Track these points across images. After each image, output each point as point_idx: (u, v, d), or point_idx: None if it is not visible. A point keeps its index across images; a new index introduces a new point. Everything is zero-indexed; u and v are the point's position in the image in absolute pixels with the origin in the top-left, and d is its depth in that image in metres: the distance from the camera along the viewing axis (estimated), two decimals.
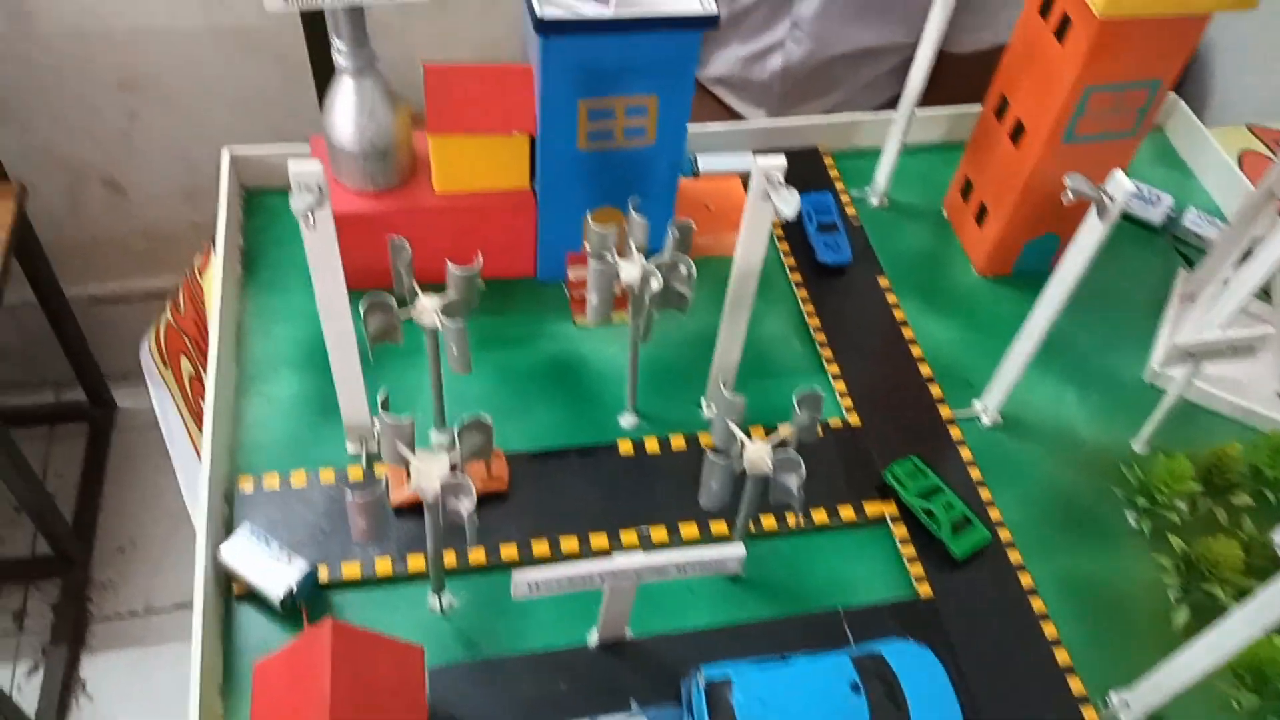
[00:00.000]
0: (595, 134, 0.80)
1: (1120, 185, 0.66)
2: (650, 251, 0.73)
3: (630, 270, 0.71)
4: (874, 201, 1.03)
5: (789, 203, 0.63)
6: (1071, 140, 0.85)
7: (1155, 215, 1.03)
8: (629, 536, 0.76)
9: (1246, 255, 0.91)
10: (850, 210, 1.01)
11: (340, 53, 0.76)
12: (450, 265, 0.68)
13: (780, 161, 0.65)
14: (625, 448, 0.81)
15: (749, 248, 0.70)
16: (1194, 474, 0.78)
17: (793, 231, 0.99)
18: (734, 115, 1.37)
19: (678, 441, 0.82)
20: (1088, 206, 0.68)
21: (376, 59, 0.77)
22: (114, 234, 1.84)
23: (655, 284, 0.70)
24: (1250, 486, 0.79)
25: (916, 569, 0.77)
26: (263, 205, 0.94)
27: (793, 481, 0.64)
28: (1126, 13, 0.74)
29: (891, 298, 0.94)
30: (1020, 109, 0.88)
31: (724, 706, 0.62)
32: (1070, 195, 0.66)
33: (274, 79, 1.66)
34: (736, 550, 0.62)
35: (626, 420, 0.83)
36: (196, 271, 0.99)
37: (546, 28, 0.71)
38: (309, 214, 0.57)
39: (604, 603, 0.65)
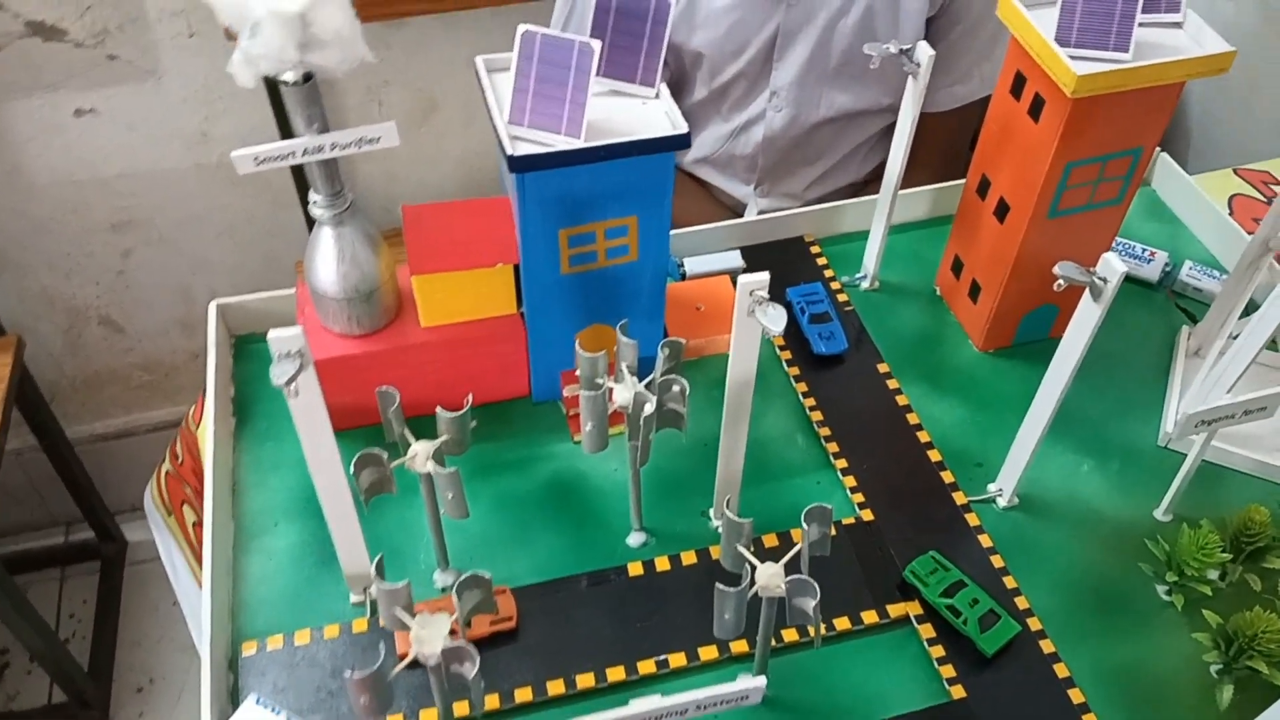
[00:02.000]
0: (578, 258, 0.80)
1: (1112, 268, 0.65)
2: (643, 363, 0.72)
3: (624, 394, 0.70)
4: (865, 285, 1.03)
5: (775, 320, 0.62)
6: (1057, 215, 0.85)
7: (1152, 273, 1.02)
8: (646, 666, 0.73)
9: (1249, 307, 0.90)
10: (842, 297, 1.01)
11: (317, 204, 0.76)
12: (440, 411, 0.67)
13: (763, 278, 0.64)
14: (635, 569, 0.79)
15: (740, 362, 0.69)
16: (1221, 542, 0.75)
17: (786, 325, 0.98)
18: (716, 197, 1.38)
19: (689, 557, 0.80)
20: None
21: (355, 205, 0.77)
22: (114, 370, 1.85)
23: (649, 407, 0.69)
24: (1267, 542, 0.76)
25: (948, 670, 0.74)
26: (253, 352, 0.93)
27: (808, 604, 0.62)
28: (1099, 89, 0.74)
29: (893, 383, 0.93)
30: (1002, 187, 0.88)
31: None
32: (1062, 283, 0.65)
33: (262, 205, 1.69)
34: (757, 683, 0.60)
35: (634, 539, 0.81)
36: (191, 421, 0.99)
37: (519, 164, 0.71)
38: (292, 384, 0.56)
39: None
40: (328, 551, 0.74)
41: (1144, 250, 1.04)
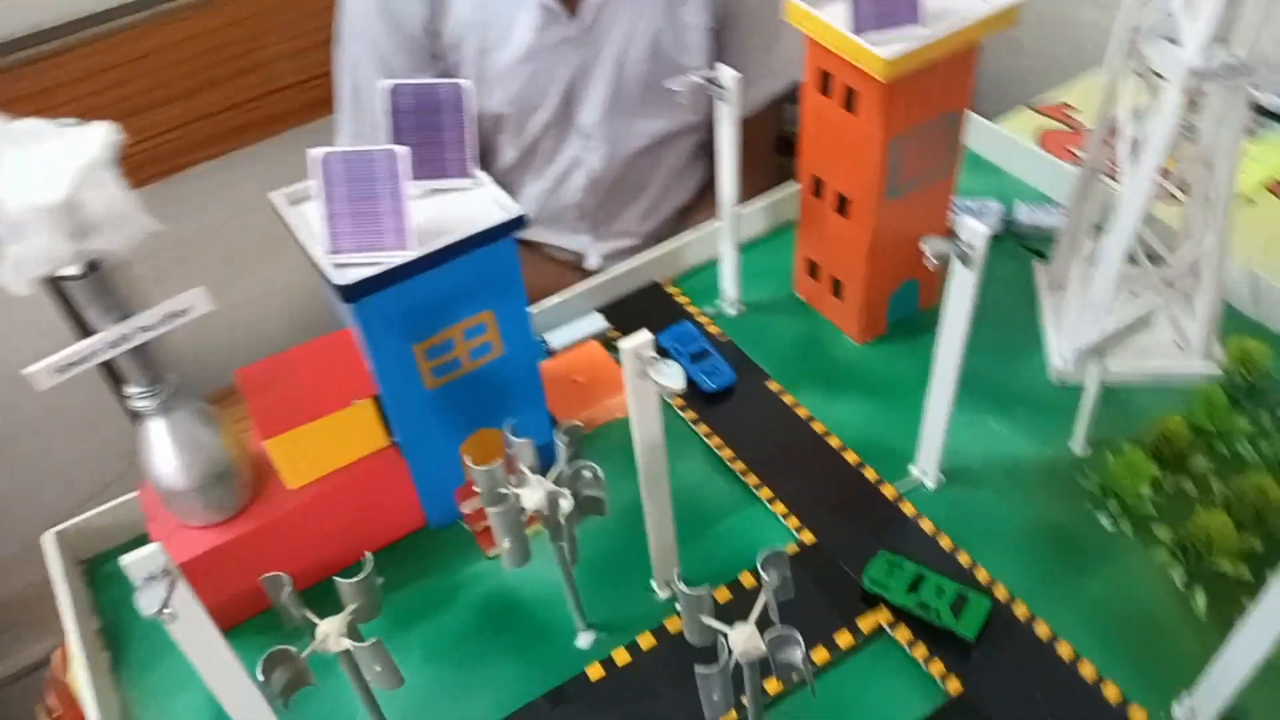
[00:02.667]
0: (440, 369, 0.74)
1: (975, 231, 0.65)
2: (542, 455, 0.67)
3: (534, 496, 0.65)
4: (731, 312, 1.01)
5: (673, 377, 0.58)
6: (896, 194, 0.85)
7: (992, 224, 1.05)
8: None
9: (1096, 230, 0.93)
10: (713, 329, 0.99)
11: (136, 398, 0.68)
12: (338, 581, 0.61)
13: (645, 338, 0.60)
14: (595, 672, 0.73)
15: (644, 428, 0.65)
16: (1147, 458, 0.76)
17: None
18: (552, 256, 1.35)
19: (646, 640, 0.75)
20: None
21: (179, 386, 0.70)
22: None
23: (567, 504, 0.64)
24: (1202, 447, 0.77)
25: (937, 667, 0.71)
26: (110, 573, 0.83)
27: (795, 655, 0.57)
28: (908, 68, 0.75)
29: (788, 398, 0.91)
30: (837, 183, 0.88)
31: None
32: (935, 262, 0.65)
33: (87, 404, 1.55)
34: None
35: (583, 640, 0.76)
36: (58, 672, 0.87)
37: (351, 293, 0.65)
38: (165, 610, 0.49)
39: None
40: None
41: (977, 205, 1.06)
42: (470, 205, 0.71)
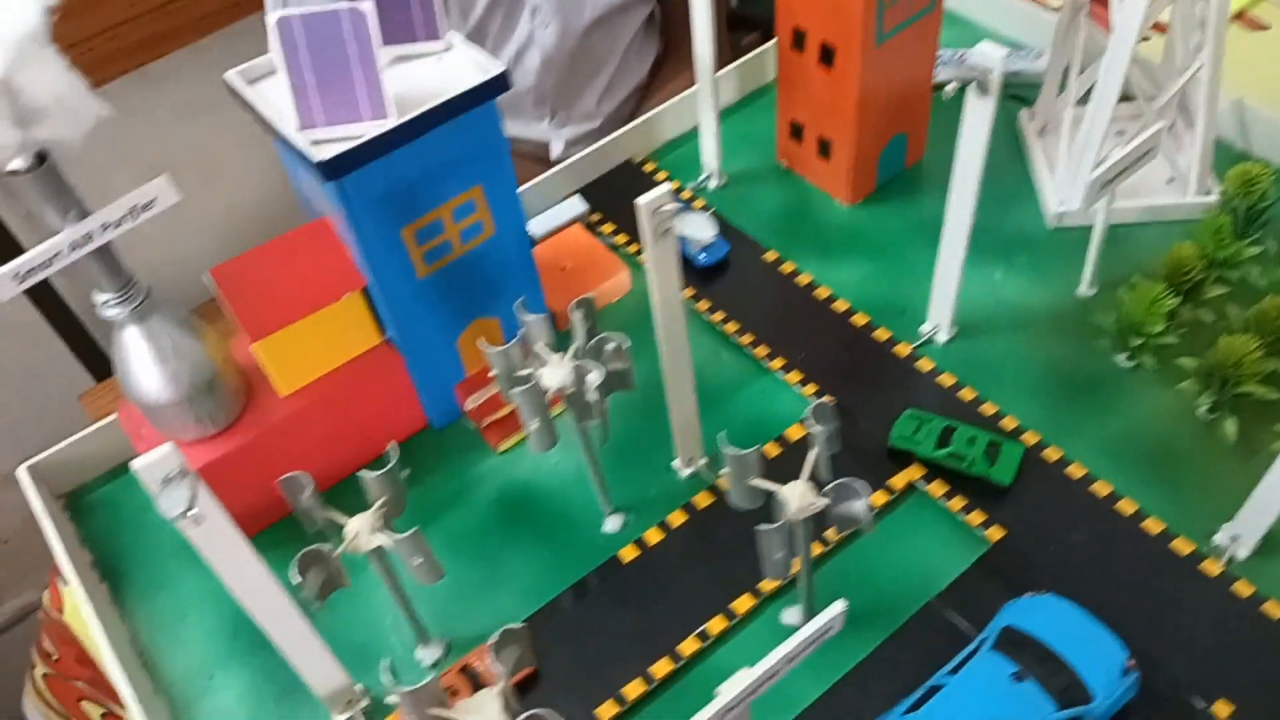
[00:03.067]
0: (431, 254, 0.69)
1: (989, 54, 0.62)
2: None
3: (558, 374, 0.61)
4: (713, 184, 0.97)
5: (700, 225, 0.54)
6: (883, 39, 0.81)
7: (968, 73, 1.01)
8: (689, 645, 0.66)
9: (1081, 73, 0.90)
10: (698, 204, 0.94)
11: (109, 304, 0.62)
12: (364, 474, 0.57)
13: (662, 190, 0.56)
14: (629, 553, 0.71)
15: (664, 291, 0.62)
16: (1163, 290, 0.74)
17: None
18: (519, 152, 1.29)
19: (676, 518, 0.72)
20: (924, 94, 0.63)
21: (151, 291, 0.64)
22: None
23: (596, 375, 0.60)
24: (1213, 275, 0.76)
25: (975, 517, 0.70)
26: (92, 503, 0.78)
27: (860, 505, 0.55)
28: None
29: (788, 266, 0.88)
30: (821, 32, 0.83)
31: None
32: (950, 90, 0.61)
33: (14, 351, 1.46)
34: (837, 608, 0.53)
35: (611, 524, 0.73)
36: (50, 609, 0.82)
37: (333, 169, 0.60)
38: (190, 511, 0.45)
39: None
40: (287, 681, 0.62)
41: (952, 55, 1.03)
42: (445, 69, 0.66)
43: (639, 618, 0.67)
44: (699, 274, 0.88)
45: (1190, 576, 0.66)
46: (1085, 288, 0.83)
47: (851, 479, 0.55)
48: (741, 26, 1.51)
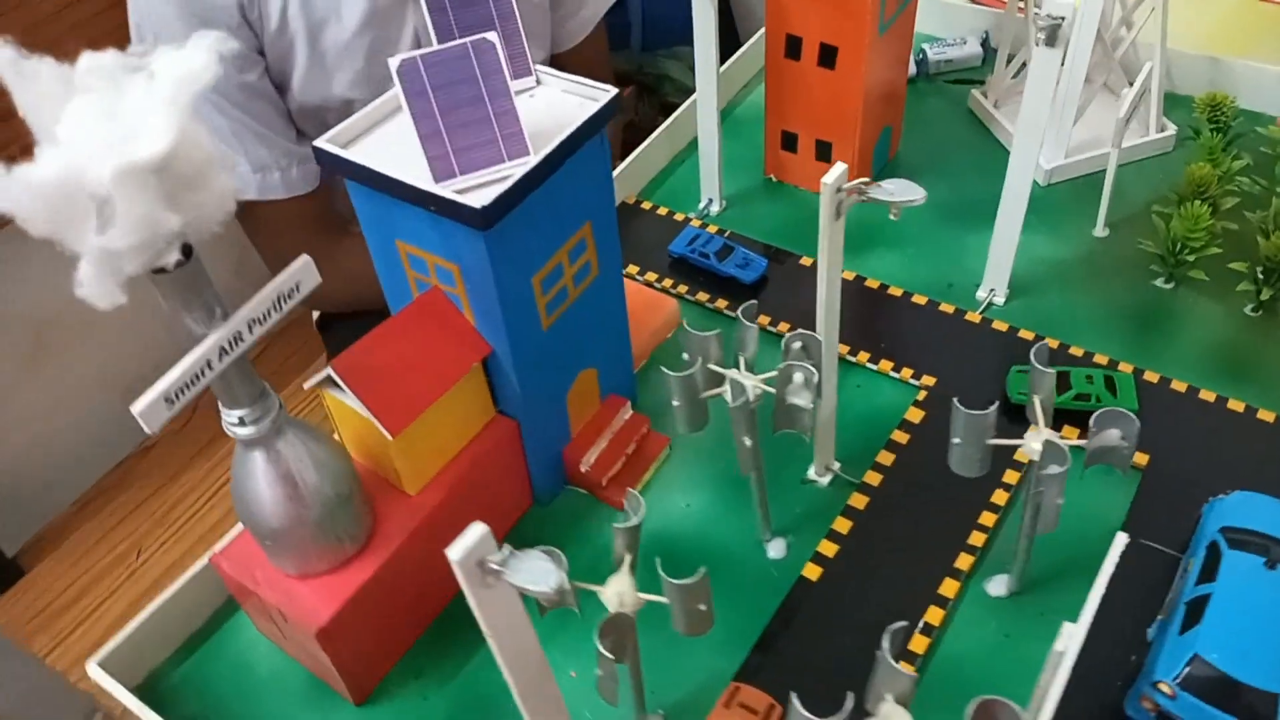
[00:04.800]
0: (552, 303, 0.64)
1: (1060, 3, 0.65)
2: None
3: (752, 381, 0.58)
4: (716, 209, 0.96)
5: (909, 190, 0.53)
6: (885, 29, 0.84)
7: (911, 69, 1.07)
8: (917, 643, 0.63)
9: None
10: (711, 229, 0.93)
11: (244, 423, 0.53)
12: (616, 527, 0.51)
13: (839, 169, 0.55)
14: (812, 571, 0.67)
15: (830, 275, 0.60)
16: (1200, 205, 0.80)
17: (705, 283, 0.88)
18: None
19: (842, 524, 0.70)
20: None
21: (282, 403, 0.55)
22: None
23: (801, 375, 0.57)
24: (1221, 190, 0.83)
25: None
26: (169, 690, 0.66)
27: (1114, 434, 0.55)
28: None
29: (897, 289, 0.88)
30: (820, 33, 0.85)
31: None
32: (1042, 33, 0.64)
33: None
34: (1121, 540, 0.52)
35: (775, 549, 0.69)
36: None
37: (488, 217, 0.54)
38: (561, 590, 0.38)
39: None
40: None
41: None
42: (550, 102, 0.62)
43: (852, 633, 0.64)
44: (746, 292, 0.87)
45: None
46: (1100, 229, 0.89)
47: (1113, 409, 0.55)
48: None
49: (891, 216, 0.56)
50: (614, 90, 0.60)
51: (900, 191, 0.53)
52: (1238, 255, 0.81)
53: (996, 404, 0.56)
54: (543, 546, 0.41)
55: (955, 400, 0.56)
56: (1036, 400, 0.57)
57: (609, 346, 0.73)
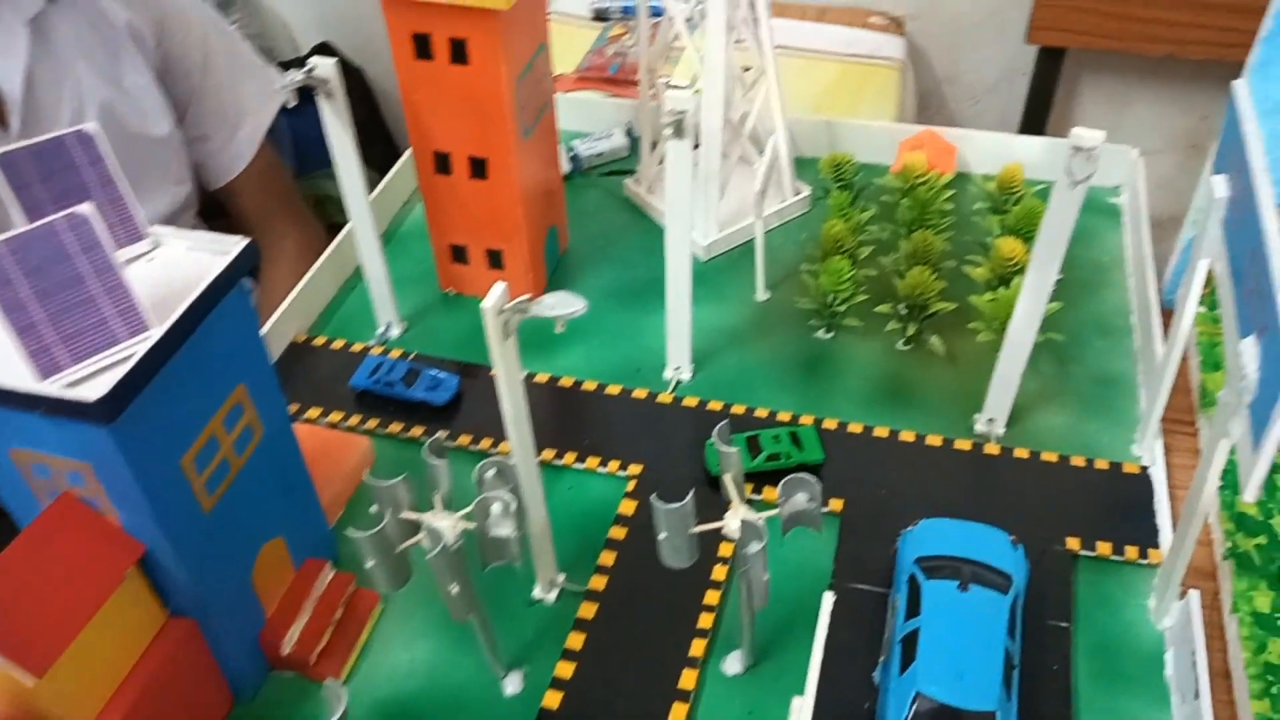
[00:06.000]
0: (213, 480, 0.58)
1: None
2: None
3: (451, 527, 0.55)
4: (395, 333, 0.93)
5: (569, 302, 0.53)
6: (529, 134, 0.85)
7: (564, 165, 1.10)
8: (687, 678, 0.62)
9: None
10: (394, 354, 0.90)
11: None
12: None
13: (499, 289, 0.54)
14: (552, 700, 0.65)
15: (512, 395, 0.59)
16: (840, 260, 0.87)
17: (396, 412, 0.84)
18: None
19: (575, 640, 0.68)
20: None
21: None
22: None
23: (500, 508, 0.55)
24: (855, 240, 0.91)
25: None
26: None
27: (803, 497, 0.57)
28: None
29: (589, 385, 0.87)
30: (466, 147, 0.85)
31: None
32: (669, 131, 0.67)
33: None
34: (828, 600, 0.54)
35: (512, 684, 0.66)
36: None
37: (108, 409, 0.47)
38: None
39: None
40: None
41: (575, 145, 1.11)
42: (171, 263, 0.56)
43: None
44: (441, 415, 0.84)
45: (979, 461, 0.78)
46: (761, 293, 0.95)
47: (796, 475, 0.57)
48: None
49: (557, 330, 0.55)
50: (245, 240, 0.56)
51: (561, 305, 0.53)
52: (882, 297, 0.88)
53: (692, 493, 0.56)
54: None
55: (653, 497, 0.56)
56: (728, 479, 0.59)
57: (293, 509, 0.67)
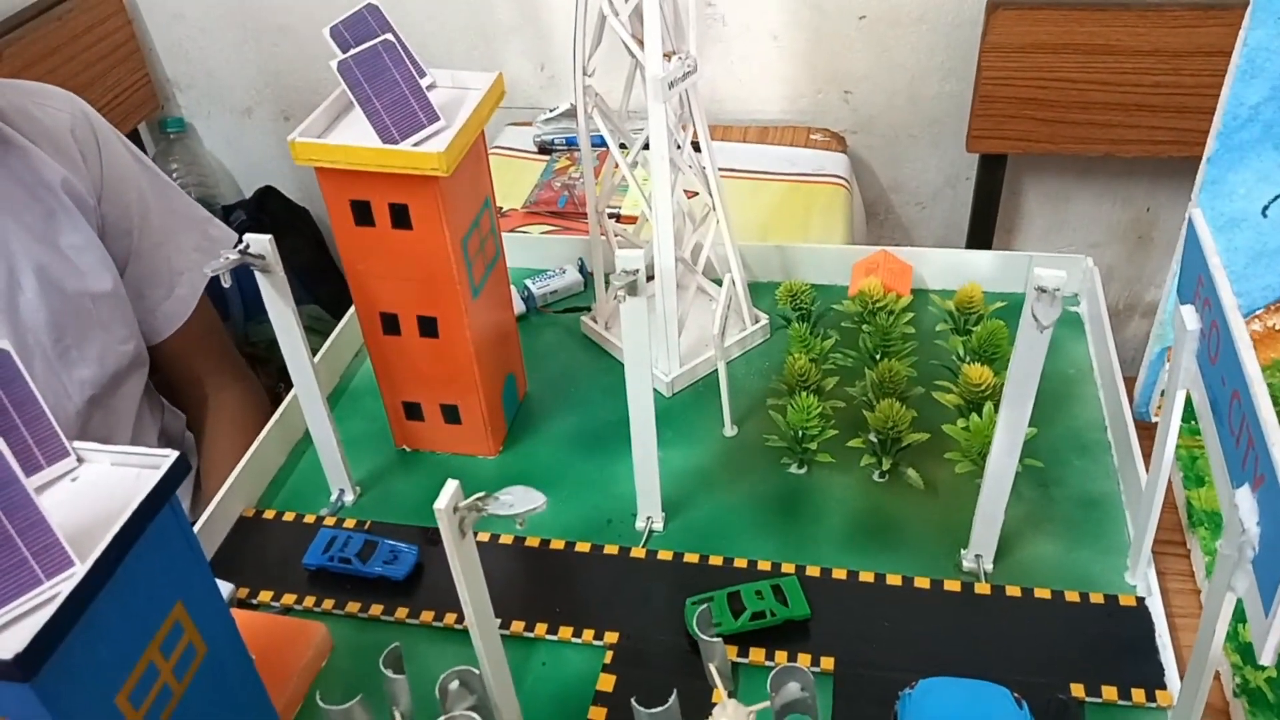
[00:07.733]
0: (152, 712, 0.52)
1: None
2: None
3: None
4: (350, 498, 0.88)
5: (529, 498, 0.50)
6: (478, 293, 0.83)
7: (520, 305, 1.08)
8: None
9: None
10: (349, 523, 0.85)
11: None
12: None
13: (451, 487, 0.51)
14: None
15: (474, 594, 0.55)
16: (807, 395, 0.84)
17: (354, 590, 0.79)
18: None
19: None
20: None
21: None
22: None
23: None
24: (817, 373, 0.89)
25: (804, 658, 0.71)
26: None
27: (795, 686, 0.53)
28: (458, 158, 0.74)
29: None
30: (415, 307, 0.82)
31: None
32: (623, 293, 0.65)
33: None
34: None
35: None
36: None
37: (25, 665, 0.43)
38: None
39: None
40: None
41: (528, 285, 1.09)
42: (98, 482, 0.52)
43: None
44: (401, 589, 0.79)
45: (971, 602, 0.74)
46: (729, 428, 0.92)
47: (786, 665, 0.53)
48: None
49: (518, 526, 0.51)
50: (174, 454, 0.52)
51: (520, 502, 0.50)
52: (853, 429, 0.86)
53: (675, 693, 0.52)
54: None
55: (634, 701, 0.52)
56: (713, 668, 0.55)
57: (250, 712, 0.61)
